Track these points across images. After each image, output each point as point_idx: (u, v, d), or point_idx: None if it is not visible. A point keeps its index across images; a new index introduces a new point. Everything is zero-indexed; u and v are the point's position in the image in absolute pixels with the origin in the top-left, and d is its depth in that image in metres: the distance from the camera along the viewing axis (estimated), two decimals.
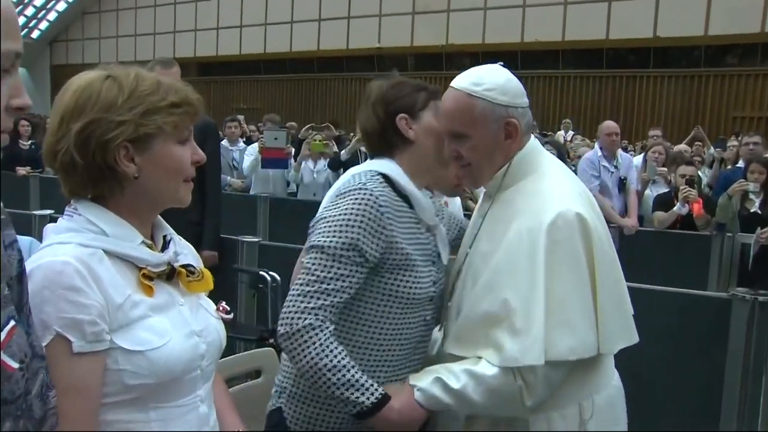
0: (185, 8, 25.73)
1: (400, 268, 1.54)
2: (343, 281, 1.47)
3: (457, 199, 2.31)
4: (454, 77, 1.61)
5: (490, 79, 1.56)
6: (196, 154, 1.22)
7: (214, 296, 1.36)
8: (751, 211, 4.67)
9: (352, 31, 22.40)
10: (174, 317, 1.16)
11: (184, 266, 1.23)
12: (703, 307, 2.87)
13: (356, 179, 1.59)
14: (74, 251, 1.08)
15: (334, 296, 1.46)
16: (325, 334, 1.45)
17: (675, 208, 4.89)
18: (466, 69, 1.62)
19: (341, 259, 1.47)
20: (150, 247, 1.19)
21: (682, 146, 7.72)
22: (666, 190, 5.34)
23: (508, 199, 1.58)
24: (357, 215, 1.49)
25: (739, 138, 9.94)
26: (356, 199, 1.51)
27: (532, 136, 1.65)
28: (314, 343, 1.43)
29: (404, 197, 1.61)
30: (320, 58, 22.98)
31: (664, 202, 5.07)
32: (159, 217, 1.27)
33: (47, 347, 0.97)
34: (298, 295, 1.47)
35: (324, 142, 5.79)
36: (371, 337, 1.57)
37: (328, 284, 1.46)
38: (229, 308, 1.39)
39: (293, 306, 1.46)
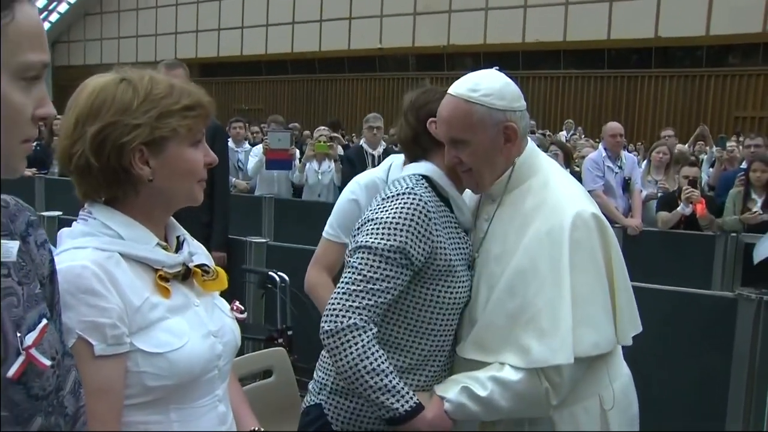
0: (187, 9, 25.75)
1: (443, 274, 1.56)
2: (389, 282, 1.49)
3: None
4: (456, 78, 1.63)
5: (486, 85, 1.57)
6: (208, 155, 1.23)
7: (223, 296, 1.37)
8: (753, 210, 4.70)
9: (354, 32, 22.40)
10: (191, 318, 1.17)
11: (198, 266, 1.24)
12: (709, 306, 2.88)
13: (403, 183, 1.62)
14: (92, 255, 1.08)
15: (379, 296, 1.48)
16: (368, 336, 1.46)
17: (678, 209, 4.90)
18: (468, 69, 1.64)
19: (388, 260, 1.49)
20: (165, 248, 1.19)
21: (683, 147, 7.73)
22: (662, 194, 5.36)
23: (516, 200, 1.60)
24: (406, 219, 1.52)
25: (740, 138, 9.95)
26: (405, 203, 1.54)
27: (529, 138, 1.67)
28: (357, 344, 1.45)
29: (445, 200, 1.64)
30: (321, 59, 22.99)
31: (667, 203, 5.09)
32: (172, 218, 1.27)
33: (71, 350, 0.98)
34: (344, 293, 1.49)
35: (328, 143, 5.81)
36: (414, 340, 1.58)
37: (374, 284, 1.48)
38: (243, 307, 1.40)
39: (338, 304, 1.48)
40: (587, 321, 1.48)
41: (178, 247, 1.24)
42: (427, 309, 1.57)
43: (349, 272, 1.51)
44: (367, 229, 1.54)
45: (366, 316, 1.47)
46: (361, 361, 1.45)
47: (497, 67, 1.65)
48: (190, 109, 1.17)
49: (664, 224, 5.00)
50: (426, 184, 1.62)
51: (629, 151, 7.21)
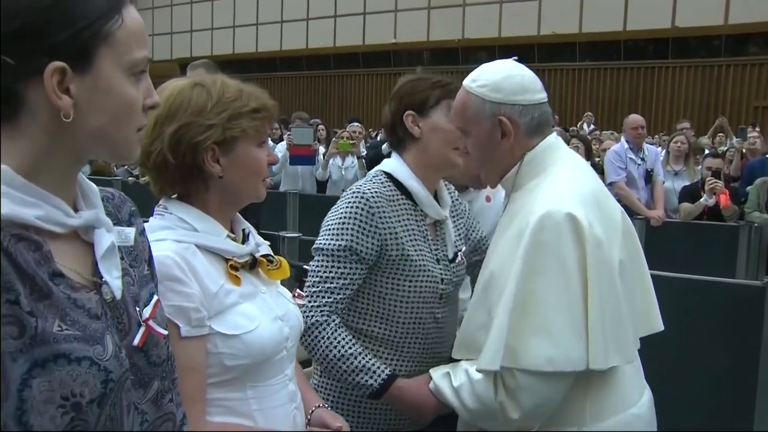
0: (201, 7, 25.92)
1: (398, 264, 1.62)
2: (344, 279, 1.60)
3: (501, 193, 2.30)
4: (471, 72, 1.58)
5: (487, 76, 1.53)
6: (270, 155, 1.33)
7: None
8: None
9: (368, 27, 22.44)
10: (260, 303, 1.27)
11: (264, 256, 1.33)
12: (737, 295, 2.91)
13: (359, 182, 1.70)
14: (171, 246, 1.18)
15: (337, 293, 1.59)
16: (331, 328, 1.58)
17: (702, 200, 4.93)
18: (483, 63, 1.59)
19: (339, 259, 1.59)
20: (233, 239, 1.29)
21: (704, 139, 7.72)
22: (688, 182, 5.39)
23: (515, 200, 1.53)
24: (349, 218, 1.60)
25: (756, 128, 9.88)
26: (349, 202, 1.62)
27: (554, 134, 1.57)
28: (323, 338, 1.57)
29: (409, 193, 1.68)
30: (336, 54, 23.06)
31: (690, 194, 5.11)
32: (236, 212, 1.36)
33: None
34: (307, 295, 1.61)
35: (351, 141, 5.89)
36: (382, 329, 1.66)
37: (330, 283, 1.59)
38: (304, 294, 1.50)
39: (304, 306, 1.59)
40: (541, 330, 1.34)
41: (244, 239, 1.33)
42: (389, 299, 1.64)
43: (309, 275, 1.63)
44: (322, 232, 1.65)
45: (327, 311, 1.59)
46: (330, 351, 1.57)
47: (515, 58, 1.60)
48: (258, 112, 1.26)
49: (687, 215, 5.03)
50: (383, 180, 1.67)
51: (652, 144, 7.22)
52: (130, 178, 6.95)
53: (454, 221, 1.82)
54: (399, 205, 1.66)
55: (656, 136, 13.54)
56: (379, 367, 1.57)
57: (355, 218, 1.60)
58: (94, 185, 0.90)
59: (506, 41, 19.28)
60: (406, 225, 1.65)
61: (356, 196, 1.62)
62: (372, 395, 1.58)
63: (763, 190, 4.75)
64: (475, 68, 1.58)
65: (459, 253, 1.77)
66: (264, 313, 1.25)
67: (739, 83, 17.12)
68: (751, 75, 17.01)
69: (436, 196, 1.75)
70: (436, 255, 1.69)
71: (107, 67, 0.81)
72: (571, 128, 10.64)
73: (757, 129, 9.84)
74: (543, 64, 18.80)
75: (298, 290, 1.48)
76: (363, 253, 1.59)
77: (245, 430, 1.22)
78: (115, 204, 0.96)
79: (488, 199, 2.24)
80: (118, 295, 0.85)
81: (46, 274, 0.78)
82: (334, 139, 6.11)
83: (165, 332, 0.91)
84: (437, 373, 1.56)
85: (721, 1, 16.78)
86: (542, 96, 1.54)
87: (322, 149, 6.30)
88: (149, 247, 1.01)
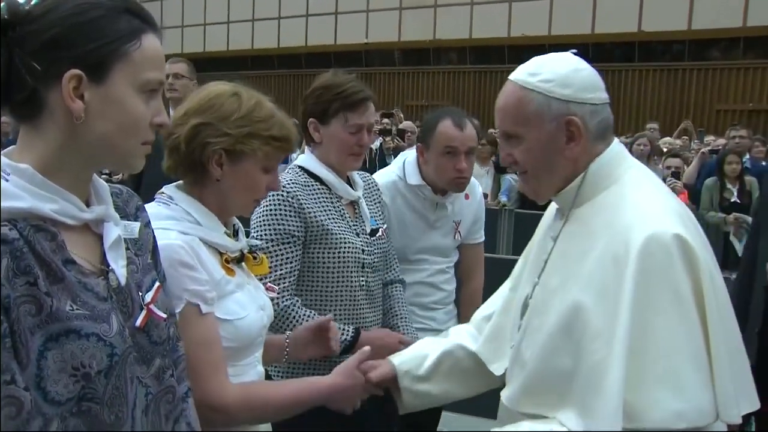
0: (172, 4, 25.69)
1: (320, 237, 1.84)
2: (290, 263, 1.82)
3: (478, 189, 2.42)
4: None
5: (549, 69, 1.31)
6: (273, 183, 1.41)
7: None
8: (731, 201, 4.97)
9: (340, 27, 22.51)
10: (247, 294, 1.39)
11: (249, 252, 1.45)
12: None
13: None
14: (180, 236, 1.28)
15: (289, 277, 1.82)
16: (297, 307, 1.80)
17: None
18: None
19: (279, 245, 1.80)
20: (228, 235, 1.39)
21: (671, 140, 8.00)
22: None
23: (584, 217, 1.29)
24: (273, 207, 1.82)
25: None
26: (270, 195, 1.76)
27: (617, 140, 1.35)
28: (296, 318, 1.78)
29: (321, 180, 1.91)
30: (308, 54, 23.07)
31: None
32: None
33: (180, 314, 1.19)
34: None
35: None
36: (318, 300, 1.87)
37: (281, 270, 1.80)
38: (276, 287, 1.64)
39: (276, 298, 1.76)
40: (666, 379, 1.10)
41: (235, 234, 1.44)
42: (319, 270, 1.85)
43: None
44: (254, 228, 1.82)
45: (287, 295, 1.81)
46: (300, 324, 1.75)
47: (574, 51, 1.42)
48: (276, 140, 1.36)
49: None
50: (298, 171, 1.91)
51: None
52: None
53: (369, 202, 2.03)
54: (314, 190, 1.88)
55: (622, 137, 13.90)
56: (345, 326, 1.83)
57: (277, 205, 1.80)
58: (104, 183, 1.00)
59: (477, 42, 19.54)
60: (323, 205, 1.87)
61: None
62: (346, 349, 1.79)
63: (716, 190, 4.98)
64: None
65: (380, 229, 2.00)
66: (251, 303, 1.38)
67: (702, 87, 17.65)
68: (713, 79, 17.54)
69: (350, 181, 1.98)
70: (355, 230, 1.92)
71: (120, 81, 0.92)
72: None
73: (727, 132, 10.15)
74: (512, 66, 18.73)
75: (269, 284, 1.59)
76: (294, 232, 1.80)
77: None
78: (123, 199, 1.06)
79: (467, 197, 2.37)
80: (123, 281, 0.96)
81: (60, 260, 0.88)
82: None
83: (164, 316, 1.02)
84: None
85: (684, 7, 17.28)
86: (606, 96, 1.33)
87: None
88: (154, 237, 1.11)
